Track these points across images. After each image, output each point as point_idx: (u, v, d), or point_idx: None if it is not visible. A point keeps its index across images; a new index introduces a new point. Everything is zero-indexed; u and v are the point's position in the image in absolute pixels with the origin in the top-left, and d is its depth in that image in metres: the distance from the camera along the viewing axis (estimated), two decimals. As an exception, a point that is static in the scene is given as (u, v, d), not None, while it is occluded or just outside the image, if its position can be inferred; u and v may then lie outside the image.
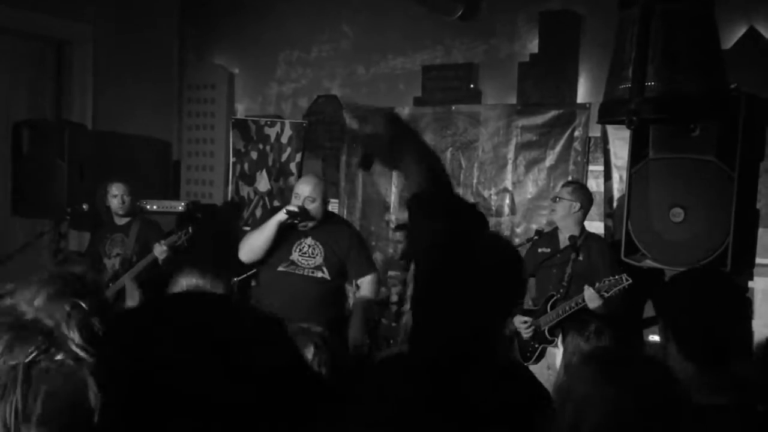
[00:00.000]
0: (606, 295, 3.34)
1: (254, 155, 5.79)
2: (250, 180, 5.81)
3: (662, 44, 2.36)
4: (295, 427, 0.76)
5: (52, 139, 4.96)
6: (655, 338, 3.46)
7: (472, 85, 5.22)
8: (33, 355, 0.99)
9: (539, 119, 4.77)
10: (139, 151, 6.10)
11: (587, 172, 4.67)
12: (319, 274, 3.58)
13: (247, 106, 6.33)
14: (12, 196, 5.07)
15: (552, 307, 3.63)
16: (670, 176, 2.70)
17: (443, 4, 5.12)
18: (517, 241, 4.68)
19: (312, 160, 5.84)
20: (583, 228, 3.77)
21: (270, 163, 5.73)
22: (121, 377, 0.75)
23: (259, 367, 0.76)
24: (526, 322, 3.69)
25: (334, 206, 5.22)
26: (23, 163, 5.06)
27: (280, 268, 3.58)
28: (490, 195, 4.99)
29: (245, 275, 4.15)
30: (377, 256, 5.40)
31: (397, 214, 5.38)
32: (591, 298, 3.36)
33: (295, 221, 3.53)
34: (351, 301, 5.04)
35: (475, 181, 5.04)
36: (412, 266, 1.70)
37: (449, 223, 1.60)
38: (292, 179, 5.56)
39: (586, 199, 3.80)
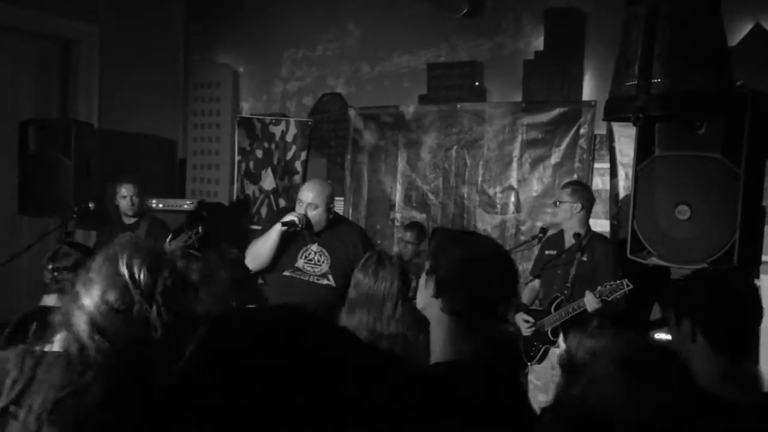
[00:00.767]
0: (607, 299, 3.34)
1: (259, 153, 5.79)
2: (256, 178, 5.82)
3: (668, 41, 2.36)
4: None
5: (59, 138, 4.97)
6: (660, 336, 3.45)
7: (477, 83, 5.22)
8: None
9: (544, 117, 4.76)
10: (145, 149, 6.12)
11: (593, 169, 4.66)
12: (325, 282, 3.51)
13: (252, 104, 6.34)
14: (19, 195, 5.08)
15: (556, 309, 3.63)
16: (676, 174, 2.69)
17: (448, 2, 5.12)
18: (522, 239, 4.69)
19: (317, 158, 5.84)
20: (588, 228, 3.76)
21: (275, 161, 5.74)
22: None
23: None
24: (528, 321, 3.70)
25: (339, 204, 5.22)
26: (30, 161, 5.07)
27: (286, 273, 3.53)
28: (496, 193, 4.99)
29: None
30: (382, 254, 5.40)
31: (402, 212, 5.38)
32: (590, 301, 3.37)
33: (297, 229, 3.45)
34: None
35: (480, 178, 5.04)
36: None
37: None
38: (297, 177, 5.57)
39: (586, 198, 3.78)
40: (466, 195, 5.11)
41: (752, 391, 1.63)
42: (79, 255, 2.47)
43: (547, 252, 3.87)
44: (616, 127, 4.42)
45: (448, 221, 5.14)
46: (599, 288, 3.37)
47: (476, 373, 1.56)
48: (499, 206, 4.98)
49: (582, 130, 4.64)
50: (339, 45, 5.85)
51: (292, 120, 5.78)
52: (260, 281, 4.07)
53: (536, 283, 3.95)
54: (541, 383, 3.63)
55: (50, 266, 2.46)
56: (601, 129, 4.60)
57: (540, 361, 3.70)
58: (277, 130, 5.73)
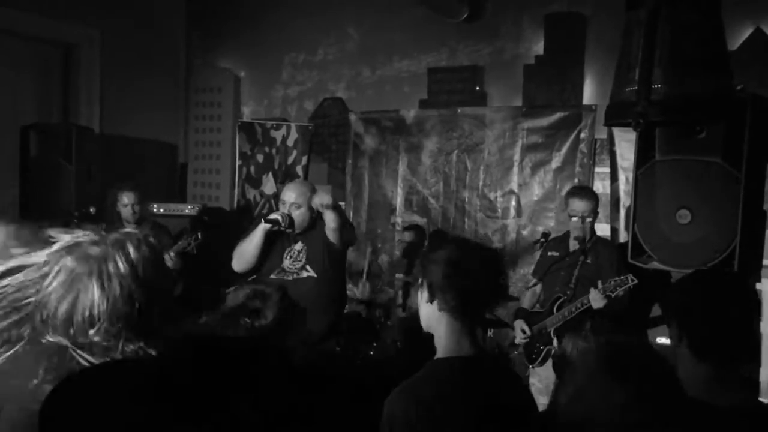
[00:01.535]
0: (611, 294, 3.31)
1: (260, 158, 5.80)
2: (256, 183, 5.83)
3: (669, 46, 2.36)
4: None
5: (60, 143, 4.99)
6: (662, 341, 3.45)
7: (477, 88, 5.23)
8: None
9: (545, 121, 4.77)
10: (146, 153, 6.13)
11: (593, 174, 4.67)
12: (305, 273, 3.55)
13: (253, 109, 6.35)
14: (20, 200, 5.09)
15: (558, 309, 3.62)
16: (676, 178, 2.69)
17: (448, 7, 5.13)
18: (522, 243, 4.69)
19: (318, 162, 5.85)
20: (593, 231, 3.76)
21: (276, 165, 5.74)
22: None
23: None
24: (524, 331, 3.69)
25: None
26: (31, 166, 5.08)
27: (272, 276, 3.54)
28: (496, 197, 4.99)
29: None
30: (383, 258, 5.41)
31: (403, 217, 5.38)
32: (596, 298, 3.34)
33: (280, 228, 3.47)
34: (355, 294, 5.02)
35: (481, 183, 5.04)
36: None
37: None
38: (298, 182, 5.58)
39: (597, 204, 3.78)
40: (466, 199, 5.11)
41: (738, 396, 1.57)
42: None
43: (549, 253, 3.86)
44: (617, 131, 4.42)
45: (449, 225, 5.14)
46: (603, 284, 3.32)
47: (478, 365, 1.73)
48: (499, 210, 4.98)
49: (582, 135, 4.64)
50: (340, 50, 5.86)
51: (292, 124, 5.78)
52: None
53: (537, 288, 3.94)
54: (543, 386, 3.61)
55: None
56: (601, 133, 4.60)
57: (542, 363, 3.67)
58: (278, 135, 5.74)
